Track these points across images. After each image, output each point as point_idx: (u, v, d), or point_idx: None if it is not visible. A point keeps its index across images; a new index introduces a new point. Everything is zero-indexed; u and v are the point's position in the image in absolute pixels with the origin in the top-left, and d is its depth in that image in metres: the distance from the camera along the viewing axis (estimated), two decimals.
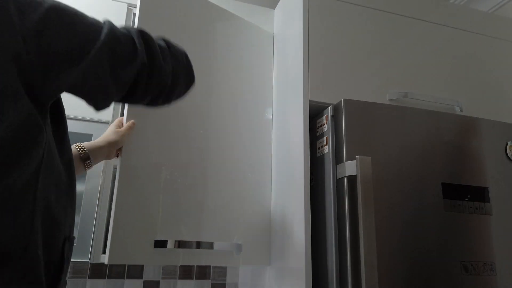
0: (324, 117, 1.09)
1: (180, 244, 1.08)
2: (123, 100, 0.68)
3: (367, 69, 1.20)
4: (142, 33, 0.65)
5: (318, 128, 1.12)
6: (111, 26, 0.61)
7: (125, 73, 0.61)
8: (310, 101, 1.10)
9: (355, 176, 0.93)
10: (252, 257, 1.17)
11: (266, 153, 1.29)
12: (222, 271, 1.49)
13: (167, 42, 0.71)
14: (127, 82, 0.62)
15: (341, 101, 1.03)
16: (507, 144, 1.13)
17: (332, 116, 1.06)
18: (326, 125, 1.07)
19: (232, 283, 1.49)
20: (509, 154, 1.12)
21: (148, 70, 0.63)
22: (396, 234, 0.95)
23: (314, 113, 1.14)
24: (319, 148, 1.09)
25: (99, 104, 0.63)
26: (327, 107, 1.08)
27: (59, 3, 0.56)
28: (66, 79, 0.55)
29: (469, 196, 1.04)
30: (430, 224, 0.98)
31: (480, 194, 1.06)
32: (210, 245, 1.07)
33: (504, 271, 1.00)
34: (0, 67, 0.47)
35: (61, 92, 0.59)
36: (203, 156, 1.16)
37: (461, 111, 1.24)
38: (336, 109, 1.05)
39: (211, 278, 1.47)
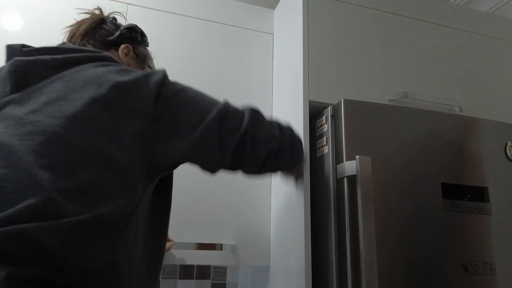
0: (324, 117, 1.09)
1: (181, 245, 1.08)
2: (236, 168, 0.77)
3: (367, 69, 1.20)
4: (253, 109, 0.76)
5: (318, 128, 1.12)
6: (226, 103, 0.73)
7: (229, 141, 0.71)
8: (310, 101, 1.10)
9: (355, 176, 0.93)
10: (252, 257, 1.17)
11: None
12: (222, 271, 1.49)
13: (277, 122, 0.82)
14: (231, 149, 0.72)
15: (341, 101, 1.03)
16: (507, 144, 1.13)
17: (332, 116, 1.06)
18: (326, 125, 1.07)
19: (232, 283, 1.49)
20: (508, 154, 1.13)
21: (251, 133, 0.73)
22: (396, 234, 0.95)
23: (314, 113, 1.14)
24: (319, 148, 1.09)
25: (213, 169, 0.74)
26: (327, 107, 1.08)
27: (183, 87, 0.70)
28: (180, 146, 0.67)
29: (469, 196, 1.04)
30: (430, 224, 0.98)
31: (480, 194, 1.06)
32: (210, 245, 1.07)
33: (504, 271, 1.00)
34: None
35: (177, 160, 0.69)
36: None
37: (461, 111, 1.24)
38: (336, 109, 1.05)
39: (211, 278, 1.47)
